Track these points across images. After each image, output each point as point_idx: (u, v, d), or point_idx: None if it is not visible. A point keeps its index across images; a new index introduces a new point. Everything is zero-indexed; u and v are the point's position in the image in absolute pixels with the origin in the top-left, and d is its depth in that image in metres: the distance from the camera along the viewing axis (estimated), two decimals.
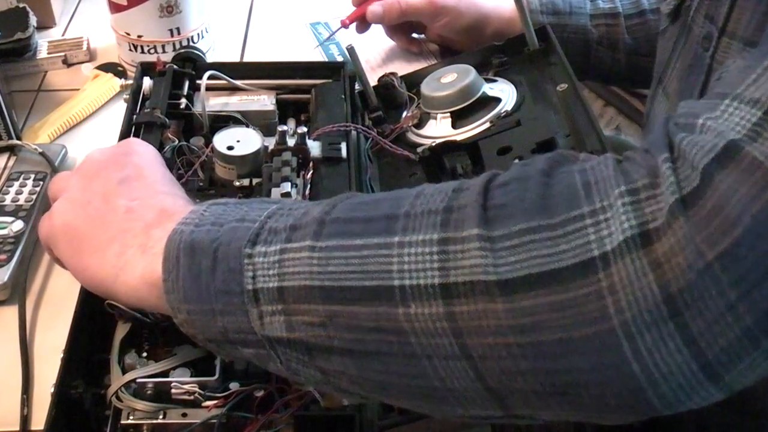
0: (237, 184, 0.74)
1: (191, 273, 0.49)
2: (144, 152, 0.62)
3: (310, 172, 0.74)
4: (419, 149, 0.78)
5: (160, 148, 0.76)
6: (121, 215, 0.55)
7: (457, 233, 0.43)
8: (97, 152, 0.62)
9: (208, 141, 0.78)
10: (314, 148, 0.75)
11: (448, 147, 0.76)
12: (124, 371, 0.59)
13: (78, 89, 1.00)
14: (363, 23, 1.02)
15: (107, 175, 0.59)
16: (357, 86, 0.87)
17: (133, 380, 0.57)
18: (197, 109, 0.81)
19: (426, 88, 0.83)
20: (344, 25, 1.03)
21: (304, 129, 0.74)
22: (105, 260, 0.54)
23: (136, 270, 0.53)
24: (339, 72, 0.86)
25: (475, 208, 0.43)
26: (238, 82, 0.84)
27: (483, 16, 0.98)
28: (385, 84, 0.87)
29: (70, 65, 1.06)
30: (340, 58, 1.07)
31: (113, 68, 1.03)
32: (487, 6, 0.98)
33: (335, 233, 0.46)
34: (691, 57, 0.70)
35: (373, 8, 1.00)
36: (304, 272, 0.46)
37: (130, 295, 0.53)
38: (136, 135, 0.77)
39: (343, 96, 0.83)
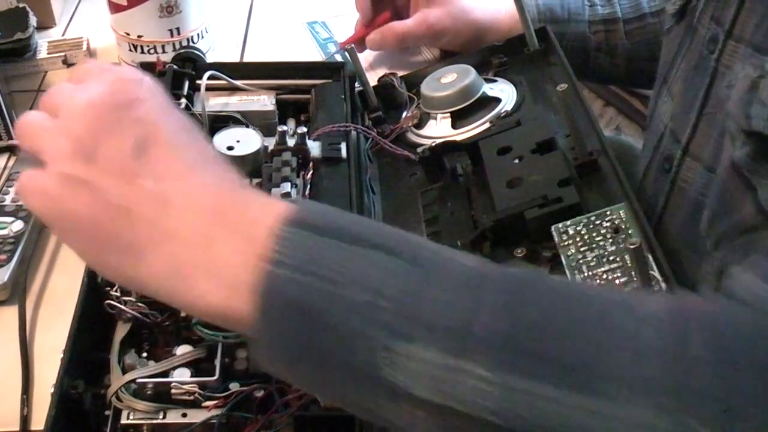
0: None
1: (300, 339, 0.40)
2: (150, 98, 0.48)
3: (310, 172, 0.74)
4: (419, 149, 0.78)
5: None
6: (153, 205, 0.44)
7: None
8: (80, 93, 0.46)
9: (208, 141, 0.77)
10: (314, 148, 0.75)
11: (448, 147, 0.76)
12: (124, 371, 0.59)
13: None
14: (361, 45, 1.02)
15: (114, 142, 0.45)
16: (357, 86, 0.87)
17: (133, 380, 0.57)
18: (197, 109, 0.81)
19: (426, 88, 0.83)
20: (342, 48, 1.04)
21: (304, 129, 0.74)
22: (146, 267, 0.44)
23: (206, 297, 0.43)
24: (339, 72, 0.86)
25: (713, 390, 0.34)
26: (238, 82, 0.84)
27: (481, 32, 0.97)
28: (385, 84, 0.87)
29: (70, 65, 1.06)
30: (338, 57, 1.07)
31: None
32: (483, 21, 0.98)
33: (519, 369, 0.37)
34: (696, 58, 0.69)
35: (372, 38, 1.00)
36: (478, 403, 0.37)
37: (194, 312, 0.47)
38: None
39: (343, 96, 0.83)
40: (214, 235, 0.43)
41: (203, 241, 0.43)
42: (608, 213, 0.61)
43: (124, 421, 0.57)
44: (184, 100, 0.81)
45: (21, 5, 1.07)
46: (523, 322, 0.38)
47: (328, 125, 0.78)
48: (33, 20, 1.05)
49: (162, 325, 0.62)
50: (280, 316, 0.40)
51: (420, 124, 0.83)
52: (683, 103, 0.69)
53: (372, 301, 0.39)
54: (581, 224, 0.61)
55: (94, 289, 0.63)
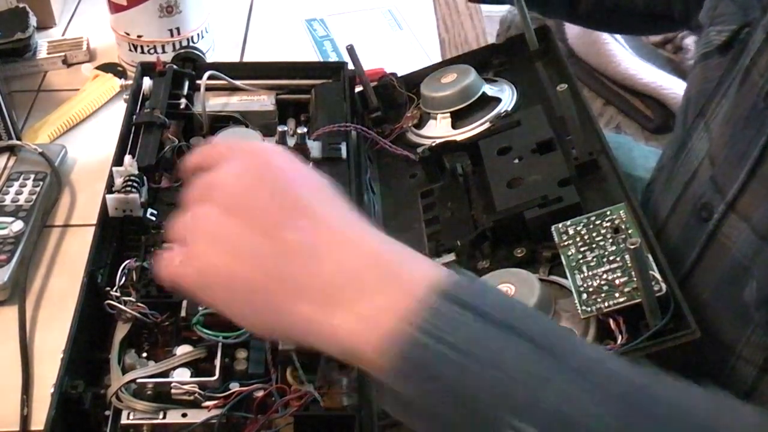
0: None
1: (428, 402, 0.42)
2: (284, 166, 0.50)
3: None
4: (419, 149, 0.78)
5: (160, 148, 0.76)
6: (298, 255, 0.45)
7: None
8: (221, 175, 0.49)
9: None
10: (314, 148, 0.75)
11: (448, 147, 0.76)
12: (124, 371, 0.59)
13: (78, 89, 1.00)
14: None
15: (256, 200, 0.47)
16: (357, 86, 0.87)
17: (133, 380, 0.57)
18: (197, 109, 0.81)
19: (426, 88, 0.83)
20: None
21: (304, 129, 0.74)
22: (297, 317, 0.45)
23: (344, 327, 0.44)
24: (339, 72, 0.86)
25: None
26: (238, 82, 0.84)
27: None
28: (385, 84, 0.87)
29: (70, 65, 1.06)
30: (333, 56, 1.07)
31: (113, 68, 1.03)
32: None
33: None
34: (749, 107, 0.60)
35: None
36: None
37: (324, 344, 0.46)
38: (136, 135, 0.77)
39: (343, 96, 0.83)
40: (368, 278, 0.45)
41: (356, 279, 0.45)
42: (608, 213, 0.61)
43: (124, 421, 0.57)
44: (184, 100, 0.81)
45: (21, 5, 1.07)
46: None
47: (328, 125, 0.78)
48: (33, 20, 1.05)
49: (162, 325, 0.62)
50: (412, 376, 0.42)
51: (420, 124, 0.83)
52: (729, 154, 0.62)
53: (503, 380, 0.41)
54: (581, 224, 0.61)
55: (94, 289, 0.63)
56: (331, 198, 0.49)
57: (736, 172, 0.60)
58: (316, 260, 0.45)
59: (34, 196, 0.83)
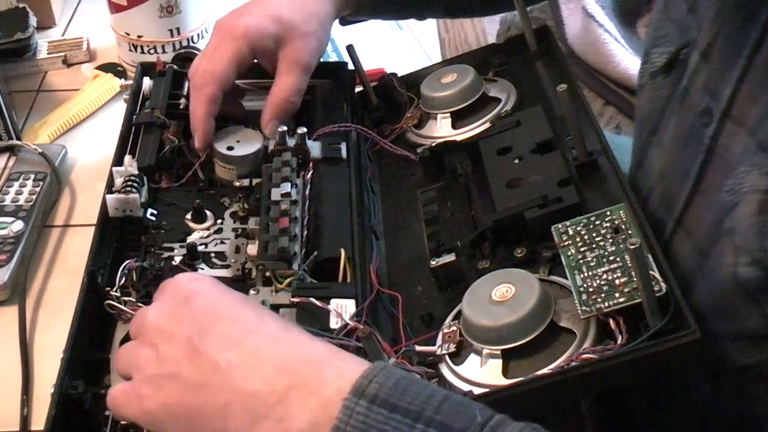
0: (237, 184, 0.74)
1: None
2: (200, 288, 0.55)
3: (310, 172, 0.74)
4: (419, 149, 0.78)
5: (160, 148, 0.76)
6: (220, 372, 0.50)
7: None
8: (149, 313, 0.54)
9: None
10: (314, 148, 0.75)
11: (448, 147, 0.76)
12: None
13: (78, 89, 1.01)
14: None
15: (178, 334, 0.52)
16: (357, 86, 0.87)
17: None
18: None
19: (426, 88, 0.83)
20: None
21: (304, 129, 0.74)
22: (232, 426, 0.49)
23: None
24: (339, 72, 0.86)
25: None
26: (238, 82, 0.84)
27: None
28: (385, 84, 0.87)
29: (70, 65, 1.06)
30: (333, 56, 1.07)
31: (113, 68, 1.03)
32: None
33: None
34: (688, 127, 0.63)
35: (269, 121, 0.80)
36: None
37: None
38: (136, 135, 0.77)
39: (343, 96, 0.83)
40: (286, 392, 0.48)
41: (276, 397, 0.48)
42: (608, 213, 0.61)
43: (124, 421, 0.57)
44: (184, 100, 0.81)
45: (21, 5, 1.07)
46: None
47: (328, 125, 0.78)
48: (33, 20, 1.05)
49: None
50: None
51: (420, 124, 0.83)
52: (675, 172, 0.64)
53: None
54: (581, 224, 0.61)
55: (94, 289, 0.64)
56: (247, 311, 0.53)
57: (682, 189, 0.62)
58: (234, 372, 0.49)
59: (34, 196, 0.83)
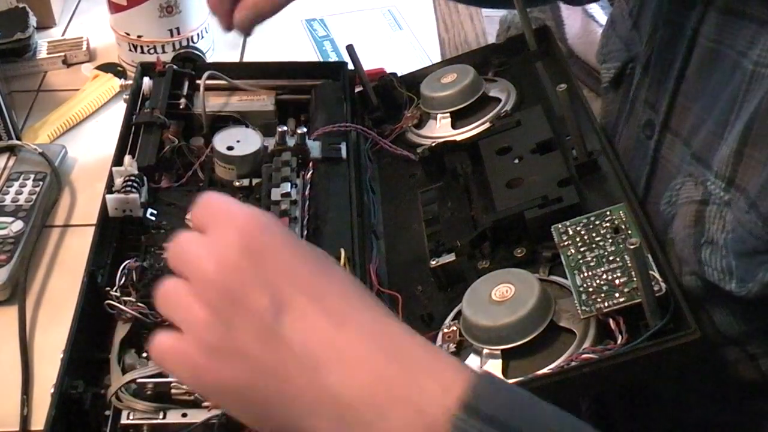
0: (237, 184, 0.74)
1: None
2: (276, 244, 0.45)
3: (310, 172, 0.74)
4: (419, 149, 0.78)
5: (160, 148, 0.76)
6: (302, 369, 0.42)
7: None
8: (207, 261, 0.44)
9: (208, 141, 0.78)
10: (314, 148, 0.75)
11: (448, 147, 0.76)
12: (124, 371, 0.59)
13: (78, 89, 1.01)
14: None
15: (248, 303, 0.43)
16: (357, 86, 0.87)
17: (133, 380, 0.57)
18: (197, 109, 0.81)
19: (426, 88, 0.83)
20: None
21: (304, 129, 0.75)
22: (311, 425, 0.43)
23: None
24: (339, 72, 0.86)
25: None
26: (238, 82, 0.84)
27: None
28: (385, 84, 0.87)
29: (69, 65, 1.06)
30: (333, 56, 1.07)
31: (113, 68, 1.03)
32: None
33: None
34: (634, 140, 0.65)
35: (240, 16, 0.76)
36: None
37: None
38: (136, 135, 0.77)
39: (343, 96, 0.83)
40: (383, 404, 0.42)
41: (372, 409, 0.42)
42: (608, 213, 0.61)
43: (124, 421, 0.57)
44: (183, 100, 0.81)
45: (21, 5, 1.07)
46: None
47: (328, 125, 0.78)
48: (33, 20, 1.05)
49: (162, 325, 0.61)
50: None
51: (420, 124, 0.83)
52: (628, 184, 0.65)
53: None
54: (581, 224, 0.61)
55: (94, 289, 0.64)
56: (332, 283, 0.45)
57: (635, 201, 0.62)
58: (321, 372, 0.42)
59: (34, 196, 0.83)
